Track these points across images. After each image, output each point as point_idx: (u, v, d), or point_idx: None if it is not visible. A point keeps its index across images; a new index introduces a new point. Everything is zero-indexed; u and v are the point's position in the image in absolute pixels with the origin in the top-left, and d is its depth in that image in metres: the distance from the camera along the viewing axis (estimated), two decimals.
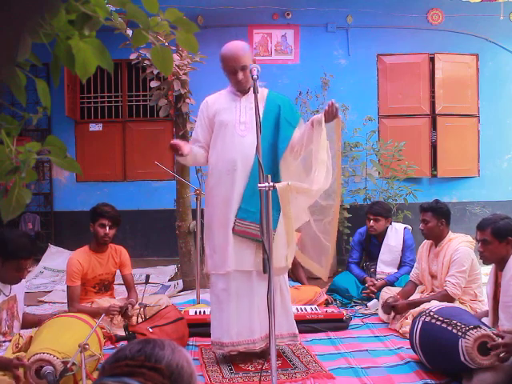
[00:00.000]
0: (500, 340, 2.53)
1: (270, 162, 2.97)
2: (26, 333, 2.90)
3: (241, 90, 3.11)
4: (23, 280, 3.01)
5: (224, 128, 3.05)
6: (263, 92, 3.13)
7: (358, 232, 4.90)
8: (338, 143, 2.93)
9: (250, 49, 3.12)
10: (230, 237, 2.99)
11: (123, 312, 3.53)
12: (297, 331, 3.19)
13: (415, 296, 3.91)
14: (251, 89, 2.95)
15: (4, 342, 2.81)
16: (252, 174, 2.93)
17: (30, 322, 3.05)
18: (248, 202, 2.96)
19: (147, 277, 3.76)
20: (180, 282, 5.41)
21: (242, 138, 3.02)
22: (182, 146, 2.93)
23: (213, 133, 3.12)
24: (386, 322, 3.90)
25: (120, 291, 4.30)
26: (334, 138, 2.89)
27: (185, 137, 5.11)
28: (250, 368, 3.05)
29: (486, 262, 3.04)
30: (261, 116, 3.02)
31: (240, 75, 3.01)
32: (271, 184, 2.39)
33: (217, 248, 3.05)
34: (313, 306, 4.03)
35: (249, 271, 3.01)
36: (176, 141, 3.02)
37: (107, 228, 3.68)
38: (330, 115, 2.83)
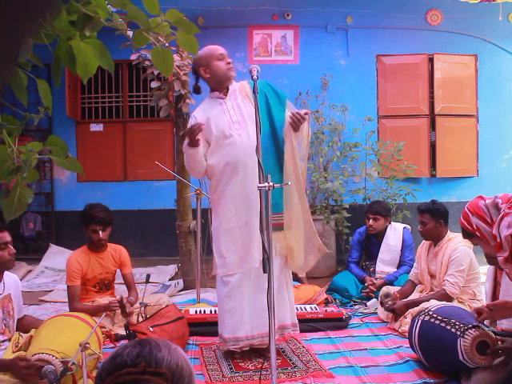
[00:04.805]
0: (500, 344, 2.54)
1: (273, 154, 3.08)
2: (26, 332, 2.91)
3: (226, 82, 3.14)
4: (17, 278, 3.03)
5: (221, 132, 3.09)
6: (245, 86, 3.18)
7: (358, 231, 4.92)
8: (307, 140, 3.15)
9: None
10: (254, 233, 2.99)
11: (121, 309, 3.54)
12: (297, 321, 3.30)
13: (414, 295, 3.92)
14: (230, 86, 3.16)
15: (3, 341, 2.82)
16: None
17: (34, 326, 3.04)
18: None
19: (148, 276, 3.77)
20: (180, 281, 5.43)
21: (239, 137, 3.07)
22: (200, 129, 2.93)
23: (210, 141, 3.13)
24: (385, 321, 3.91)
25: (120, 290, 4.31)
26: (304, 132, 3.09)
27: (185, 137, 5.12)
28: (250, 367, 3.07)
29: (489, 262, 3.01)
30: (253, 111, 3.08)
31: (228, 59, 3.10)
32: (271, 184, 2.41)
33: (241, 248, 3.08)
34: (312, 305, 4.04)
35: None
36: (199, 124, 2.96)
37: (100, 233, 3.68)
38: (298, 125, 2.99)
